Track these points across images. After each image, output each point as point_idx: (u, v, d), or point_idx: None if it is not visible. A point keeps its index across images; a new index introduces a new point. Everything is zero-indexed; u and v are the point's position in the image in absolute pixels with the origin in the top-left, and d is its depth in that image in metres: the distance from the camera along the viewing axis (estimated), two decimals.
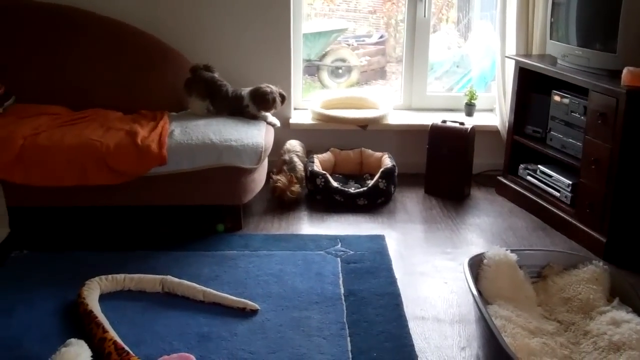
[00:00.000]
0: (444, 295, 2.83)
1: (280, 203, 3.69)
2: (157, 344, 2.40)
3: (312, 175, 3.75)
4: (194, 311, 2.62)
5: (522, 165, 3.81)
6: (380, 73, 5.35)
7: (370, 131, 4.18)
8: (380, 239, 3.30)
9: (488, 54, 4.52)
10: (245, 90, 3.67)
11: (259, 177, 3.46)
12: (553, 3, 3.58)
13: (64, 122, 3.44)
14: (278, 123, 3.73)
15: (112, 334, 2.35)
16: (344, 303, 2.70)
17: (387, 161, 3.91)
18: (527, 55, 3.90)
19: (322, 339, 2.46)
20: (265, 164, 3.55)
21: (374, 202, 3.73)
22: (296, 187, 3.67)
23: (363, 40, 5.35)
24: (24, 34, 3.76)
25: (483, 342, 2.33)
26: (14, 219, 3.22)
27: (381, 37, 5.32)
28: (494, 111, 4.27)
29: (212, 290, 2.71)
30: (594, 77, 3.21)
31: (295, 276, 2.91)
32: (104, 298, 2.66)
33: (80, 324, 2.47)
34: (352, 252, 3.14)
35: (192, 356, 2.29)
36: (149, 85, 3.79)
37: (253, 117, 3.61)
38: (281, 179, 3.66)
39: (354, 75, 5.13)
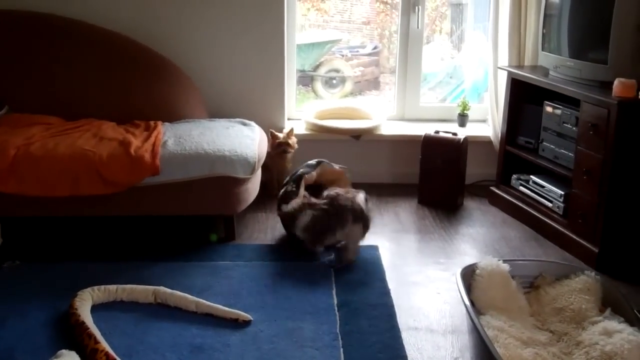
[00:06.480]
0: (437, 306, 2.83)
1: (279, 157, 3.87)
2: (149, 355, 2.39)
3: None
4: (187, 322, 2.61)
5: (514, 176, 3.82)
6: (373, 84, 5.36)
7: (363, 141, 4.19)
8: (373, 249, 3.30)
9: (481, 65, 4.54)
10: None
11: (253, 187, 3.46)
12: (545, 14, 3.60)
13: (57, 132, 3.43)
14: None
15: (104, 345, 2.34)
16: (337, 313, 2.70)
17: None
18: (520, 66, 3.92)
19: (315, 349, 2.45)
20: (258, 174, 3.55)
21: None
22: (294, 140, 3.90)
23: (357, 51, 5.36)
24: (17, 44, 3.76)
25: (476, 352, 2.33)
26: (6, 229, 3.21)
27: (375, 48, 5.34)
28: (487, 122, 4.29)
29: (204, 301, 2.70)
30: (586, 88, 3.22)
31: (288, 287, 2.91)
32: (96, 309, 2.65)
33: (72, 335, 2.45)
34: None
35: None
36: (143, 95, 3.78)
37: None
38: (280, 135, 3.87)
39: (348, 86, 5.14)
